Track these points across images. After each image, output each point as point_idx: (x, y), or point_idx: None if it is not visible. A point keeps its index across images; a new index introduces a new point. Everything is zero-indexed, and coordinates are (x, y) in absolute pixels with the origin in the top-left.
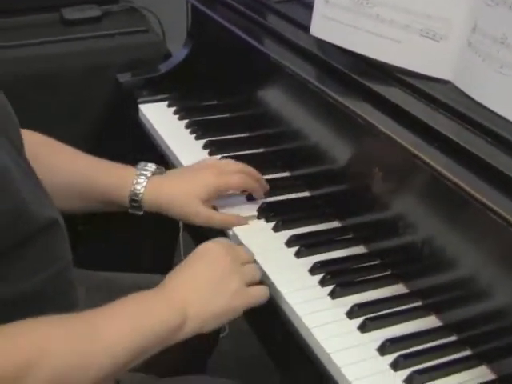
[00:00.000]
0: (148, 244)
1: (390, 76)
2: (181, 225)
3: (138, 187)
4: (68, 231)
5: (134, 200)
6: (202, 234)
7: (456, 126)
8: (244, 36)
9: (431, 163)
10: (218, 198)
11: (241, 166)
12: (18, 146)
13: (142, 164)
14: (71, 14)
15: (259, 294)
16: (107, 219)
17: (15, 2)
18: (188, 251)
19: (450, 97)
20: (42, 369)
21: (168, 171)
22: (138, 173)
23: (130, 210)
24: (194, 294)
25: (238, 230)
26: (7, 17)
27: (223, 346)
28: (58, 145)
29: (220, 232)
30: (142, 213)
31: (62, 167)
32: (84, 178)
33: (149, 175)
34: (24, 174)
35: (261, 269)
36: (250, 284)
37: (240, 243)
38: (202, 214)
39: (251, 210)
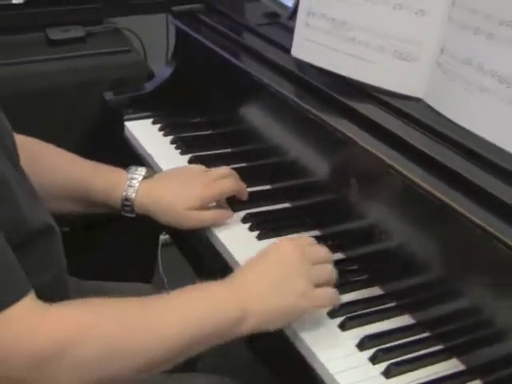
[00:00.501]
0: (130, 255)
1: (367, 94)
2: (161, 239)
3: (130, 191)
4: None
5: (126, 204)
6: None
7: (427, 140)
8: (227, 56)
9: (404, 173)
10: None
11: (226, 169)
12: (13, 154)
13: (133, 168)
14: (56, 34)
15: (326, 297)
16: (91, 231)
17: (3, 22)
18: (167, 262)
19: (421, 113)
20: (83, 347)
21: (157, 174)
22: (130, 176)
23: (122, 213)
24: (259, 292)
25: (224, 240)
26: None
27: None
28: (56, 149)
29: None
30: (134, 215)
31: (61, 170)
32: (80, 181)
33: (140, 179)
34: (19, 181)
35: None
36: (323, 285)
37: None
38: (191, 218)
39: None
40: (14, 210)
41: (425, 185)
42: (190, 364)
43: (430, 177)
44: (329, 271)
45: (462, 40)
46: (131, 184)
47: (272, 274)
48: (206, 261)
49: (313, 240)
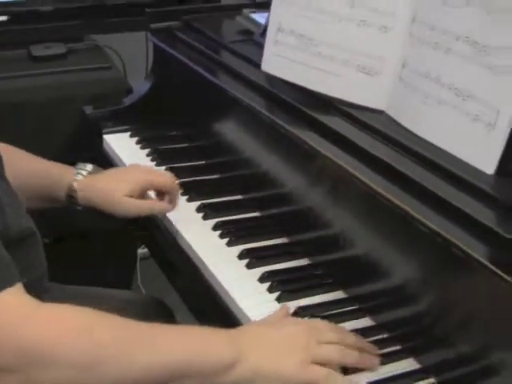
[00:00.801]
0: (108, 268)
1: (333, 107)
2: (139, 252)
3: (74, 184)
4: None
5: (71, 196)
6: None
7: (388, 150)
8: (202, 72)
9: (367, 182)
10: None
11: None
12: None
13: (80, 164)
14: (39, 50)
15: (320, 374)
16: (70, 243)
17: None
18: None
19: (383, 124)
20: (73, 350)
21: (106, 170)
22: (76, 172)
23: (69, 205)
24: (257, 348)
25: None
26: None
27: None
28: (15, 150)
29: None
30: (80, 208)
31: (19, 170)
32: (35, 181)
33: (85, 174)
34: (5, 191)
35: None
36: (323, 364)
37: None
38: (128, 205)
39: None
40: (2, 219)
41: (387, 194)
42: None
43: (392, 186)
44: (333, 353)
45: (422, 55)
46: (76, 178)
47: (273, 336)
48: (178, 268)
49: (329, 324)
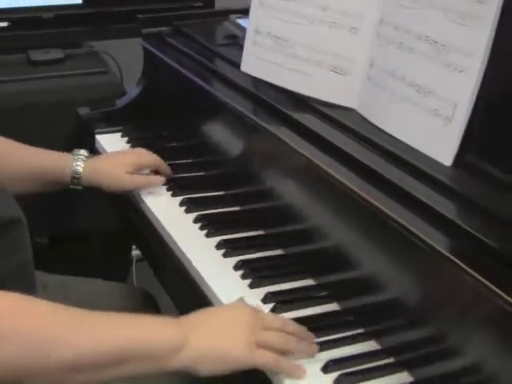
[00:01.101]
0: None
1: (307, 105)
2: (134, 254)
3: (78, 168)
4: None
5: (75, 177)
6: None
7: (358, 146)
8: (189, 75)
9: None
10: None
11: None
12: None
13: (76, 151)
14: (37, 55)
15: (265, 359)
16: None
17: None
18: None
19: (354, 121)
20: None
21: (101, 154)
22: (75, 157)
23: (71, 186)
24: (202, 329)
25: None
26: None
27: None
28: (9, 142)
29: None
30: (81, 188)
31: (18, 160)
32: (34, 167)
33: (84, 158)
34: None
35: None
36: (267, 349)
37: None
38: (126, 180)
39: None
40: None
41: (359, 191)
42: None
43: (361, 181)
44: (275, 338)
45: (388, 54)
46: (77, 163)
47: (218, 321)
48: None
49: (271, 313)
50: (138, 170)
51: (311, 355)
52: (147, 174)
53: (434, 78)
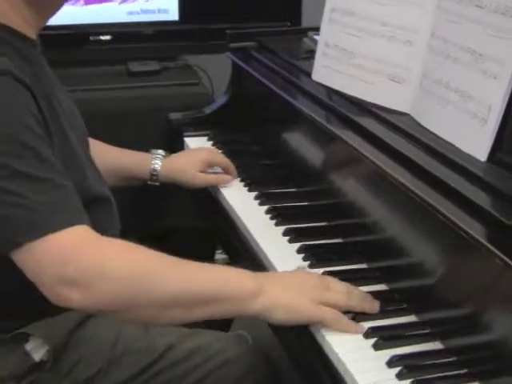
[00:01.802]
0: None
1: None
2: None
3: (156, 165)
4: None
5: (153, 174)
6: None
7: (413, 147)
8: (271, 85)
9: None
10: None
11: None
12: (85, 143)
13: (153, 150)
14: (136, 67)
15: (325, 314)
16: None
17: (93, 55)
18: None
19: (408, 125)
20: (124, 266)
21: (176, 153)
22: (154, 156)
23: (149, 182)
24: (275, 282)
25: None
26: (86, 67)
27: None
28: (103, 144)
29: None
30: (158, 184)
31: (108, 159)
32: (120, 164)
33: (161, 157)
34: (89, 161)
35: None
36: (331, 306)
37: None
38: (199, 177)
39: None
40: (83, 178)
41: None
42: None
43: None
44: (338, 298)
45: (437, 64)
46: (156, 161)
47: (290, 279)
48: None
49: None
50: (208, 166)
51: (373, 311)
52: (216, 173)
53: (473, 85)
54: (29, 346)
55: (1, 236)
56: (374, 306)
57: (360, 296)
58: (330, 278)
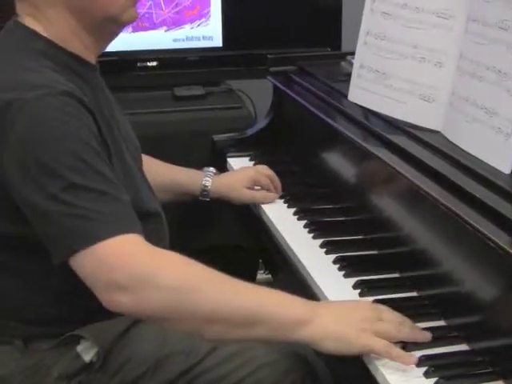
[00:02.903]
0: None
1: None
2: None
3: (207, 182)
4: None
5: (204, 190)
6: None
7: (443, 163)
8: (311, 108)
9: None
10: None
11: (271, 171)
12: (138, 160)
13: (205, 168)
14: (181, 91)
15: (380, 344)
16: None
17: (140, 81)
18: None
19: (439, 142)
20: (172, 277)
21: (225, 172)
22: (205, 173)
23: (200, 198)
24: (328, 312)
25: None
26: (134, 91)
27: None
28: (155, 160)
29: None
30: (208, 199)
31: (161, 175)
32: (170, 179)
33: (212, 175)
34: (142, 178)
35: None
36: (382, 337)
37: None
38: (247, 194)
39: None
40: (137, 194)
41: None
42: None
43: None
44: (390, 328)
45: (464, 83)
46: (206, 178)
47: (341, 309)
48: None
49: (388, 308)
50: (256, 183)
51: (425, 340)
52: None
53: (498, 102)
54: (79, 348)
55: (58, 244)
56: (426, 336)
57: (412, 326)
58: (382, 308)
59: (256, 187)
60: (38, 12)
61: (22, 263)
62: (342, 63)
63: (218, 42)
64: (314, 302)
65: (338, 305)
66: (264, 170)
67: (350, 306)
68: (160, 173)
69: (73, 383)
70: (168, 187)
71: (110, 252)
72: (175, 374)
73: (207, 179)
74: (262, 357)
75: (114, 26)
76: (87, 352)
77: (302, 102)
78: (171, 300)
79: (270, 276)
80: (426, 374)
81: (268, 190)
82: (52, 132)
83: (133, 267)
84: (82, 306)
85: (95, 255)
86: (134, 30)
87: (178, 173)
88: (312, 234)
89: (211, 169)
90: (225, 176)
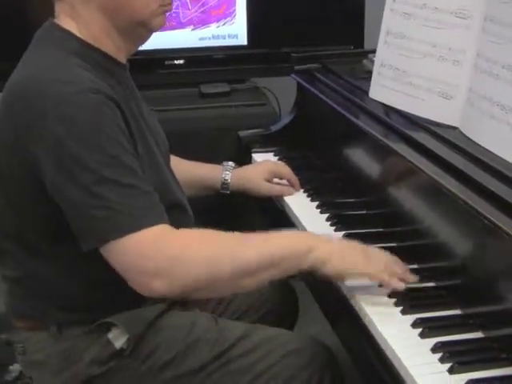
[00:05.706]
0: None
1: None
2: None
3: (226, 176)
4: None
5: (224, 183)
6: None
7: (461, 159)
8: (332, 104)
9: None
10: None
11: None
12: (166, 157)
13: (225, 163)
14: (207, 89)
15: (376, 266)
16: None
17: (167, 78)
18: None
19: (458, 138)
20: (199, 250)
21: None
22: (225, 167)
23: (221, 191)
24: (327, 240)
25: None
26: (161, 89)
27: None
28: (177, 158)
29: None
30: (228, 192)
31: (184, 171)
32: (192, 175)
33: (231, 169)
34: (169, 171)
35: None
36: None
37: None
38: (265, 186)
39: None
40: (165, 186)
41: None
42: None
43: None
44: (385, 256)
45: (481, 81)
46: (226, 172)
47: (340, 240)
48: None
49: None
50: (274, 176)
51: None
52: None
53: None
54: (111, 335)
55: (88, 233)
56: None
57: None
58: (370, 249)
59: (275, 179)
60: (74, 12)
61: (56, 249)
62: (364, 61)
63: (243, 40)
64: (314, 233)
65: (332, 238)
66: (283, 165)
67: (344, 241)
68: (182, 169)
69: (104, 368)
70: (190, 182)
71: (138, 243)
72: (203, 361)
73: (227, 173)
74: (288, 344)
75: (144, 30)
76: (118, 339)
77: (325, 99)
78: (204, 270)
79: None
80: (442, 360)
81: (288, 182)
82: (84, 127)
83: (162, 253)
84: (113, 293)
85: (126, 246)
86: (162, 30)
87: (198, 168)
88: (334, 227)
89: (230, 163)
90: (244, 169)
